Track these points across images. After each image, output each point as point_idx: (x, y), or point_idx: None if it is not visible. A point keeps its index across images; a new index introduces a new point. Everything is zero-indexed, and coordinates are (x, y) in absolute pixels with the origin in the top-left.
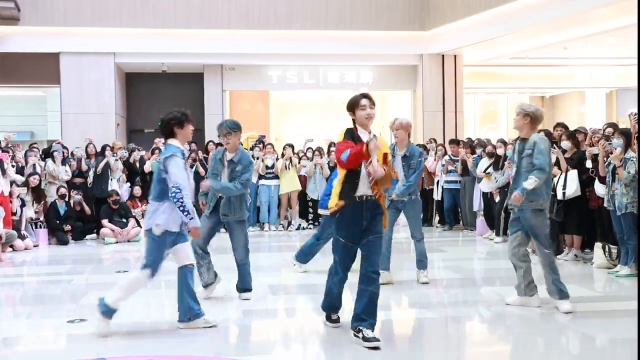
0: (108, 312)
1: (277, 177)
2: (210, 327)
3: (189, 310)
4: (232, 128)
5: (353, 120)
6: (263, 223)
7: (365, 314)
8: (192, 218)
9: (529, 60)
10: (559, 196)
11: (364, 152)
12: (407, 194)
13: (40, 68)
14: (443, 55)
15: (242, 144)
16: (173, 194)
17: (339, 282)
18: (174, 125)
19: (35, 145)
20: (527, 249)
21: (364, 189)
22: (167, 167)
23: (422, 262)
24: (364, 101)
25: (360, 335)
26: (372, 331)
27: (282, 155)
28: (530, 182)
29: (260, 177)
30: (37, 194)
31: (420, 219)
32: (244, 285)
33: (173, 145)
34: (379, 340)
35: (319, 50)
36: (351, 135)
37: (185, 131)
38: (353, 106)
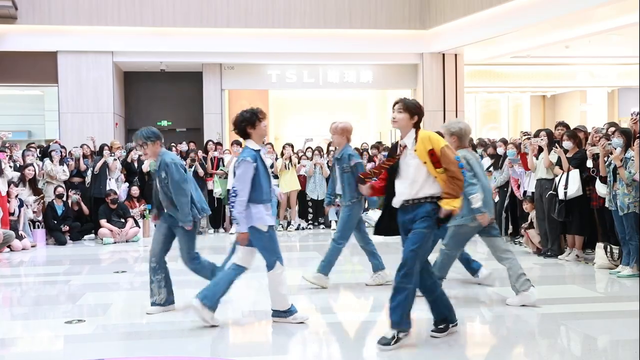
0: (289, 312)
1: (276, 177)
2: (212, 326)
3: (209, 298)
4: (147, 138)
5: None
6: None
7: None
8: (237, 224)
9: (530, 59)
10: (561, 196)
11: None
12: (350, 200)
13: (38, 67)
14: (444, 54)
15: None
16: (231, 195)
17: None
18: (246, 126)
19: (32, 145)
20: (503, 246)
21: None
22: (236, 169)
23: (325, 266)
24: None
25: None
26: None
27: (282, 154)
28: (475, 201)
29: None
30: (34, 187)
31: (348, 223)
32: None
33: (247, 148)
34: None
35: (318, 49)
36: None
37: (259, 130)
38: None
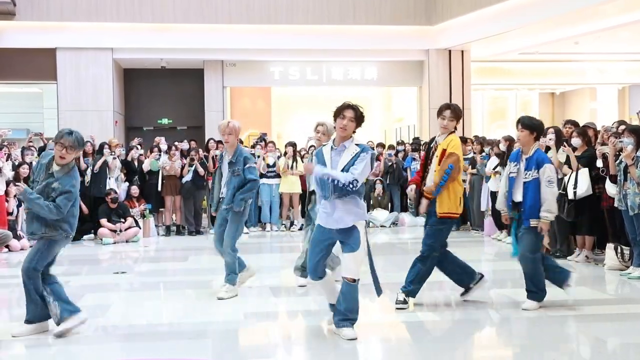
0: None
1: (278, 175)
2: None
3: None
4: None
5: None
6: (264, 223)
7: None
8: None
9: (538, 55)
10: (570, 195)
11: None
12: (242, 205)
13: (37, 64)
14: (450, 51)
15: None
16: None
17: None
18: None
19: (32, 143)
20: None
21: None
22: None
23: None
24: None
25: None
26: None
27: (285, 153)
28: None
29: (262, 175)
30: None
31: (235, 230)
32: None
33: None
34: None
35: (322, 45)
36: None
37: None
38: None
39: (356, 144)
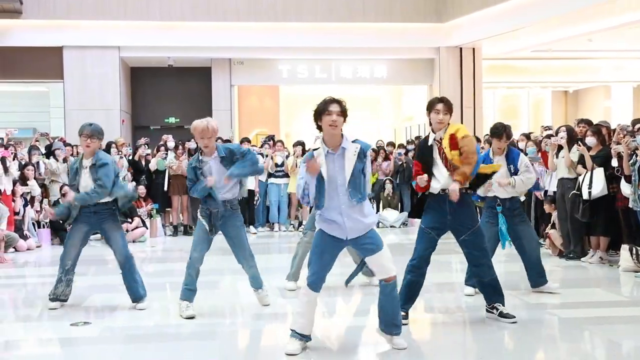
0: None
1: (287, 175)
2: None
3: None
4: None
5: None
6: (273, 223)
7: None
8: None
9: (551, 53)
10: (585, 196)
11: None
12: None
13: (43, 62)
14: (461, 48)
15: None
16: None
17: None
18: None
19: (38, 143)
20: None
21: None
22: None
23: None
24: (439, 105)
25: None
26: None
27: (293, 152)
28: None
29: (270, 175)
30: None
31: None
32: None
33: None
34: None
35: (331, 43)
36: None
37: None
38: (429, 108)
39: (352, 141)
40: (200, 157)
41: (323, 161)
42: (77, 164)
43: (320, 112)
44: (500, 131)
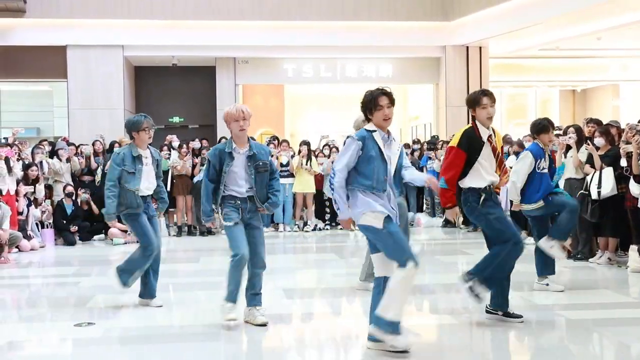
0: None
1: (292, 175)
2: (401, 352)
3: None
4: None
5: (473, 117)
6: (277, 223)
7: None
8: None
9: (559, 51)
10: (594, 196)
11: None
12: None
13: (47, 62)
14: (467, 47)
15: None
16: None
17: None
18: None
19: (43, 143)
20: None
21: None
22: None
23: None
24: (485, 100)
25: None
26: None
27: (299, 152)
28: None
29: None
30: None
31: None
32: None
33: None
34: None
35: (336, 42)
36: (470, 136)
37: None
38: (474, 104)
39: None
40: (234, 145)
41: (380, 141)
42: (129, 155)
43: (370, 107)
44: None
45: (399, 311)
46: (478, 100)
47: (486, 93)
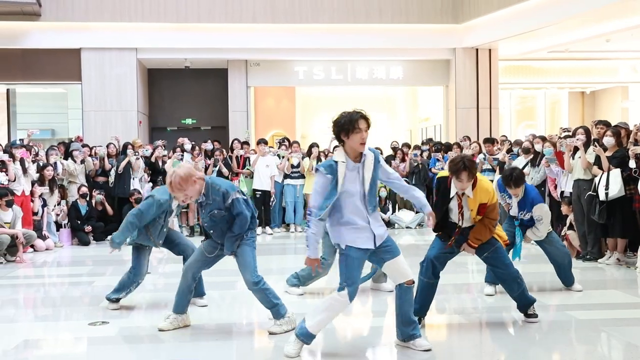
0: (305, 338)
1: (302, 176)
2: (426, 350)
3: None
4: None
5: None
6: (288, 224)
7: None
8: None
9: (568, 53)
10: (602, 197)
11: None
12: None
13: (61, 64)
14: (477, 49)
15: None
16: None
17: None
18: (340, 132)
19: (59, 144)
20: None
21: None
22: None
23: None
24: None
25: None
26: None
27: (310, 153)
28: None
29: (286, 176)
30: (53, 187)
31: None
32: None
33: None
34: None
35: (346, 44)
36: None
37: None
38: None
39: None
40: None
41: (343, 172)
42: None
43: (347, 129)
44: (508, 180)
45: (317, 328)
46: (458, 171)
47: (466, 168)
